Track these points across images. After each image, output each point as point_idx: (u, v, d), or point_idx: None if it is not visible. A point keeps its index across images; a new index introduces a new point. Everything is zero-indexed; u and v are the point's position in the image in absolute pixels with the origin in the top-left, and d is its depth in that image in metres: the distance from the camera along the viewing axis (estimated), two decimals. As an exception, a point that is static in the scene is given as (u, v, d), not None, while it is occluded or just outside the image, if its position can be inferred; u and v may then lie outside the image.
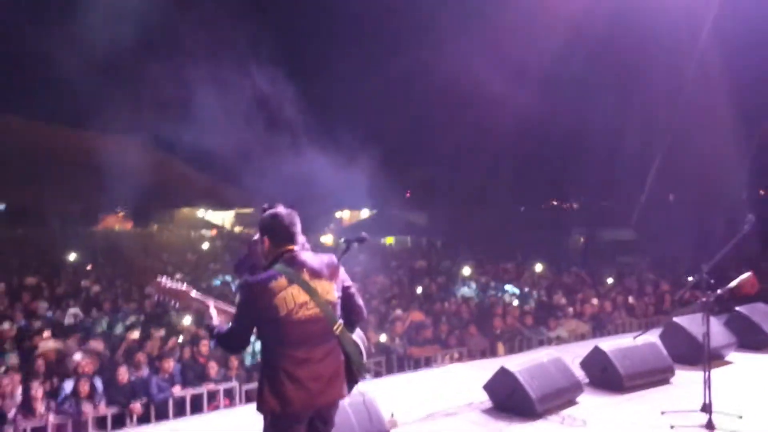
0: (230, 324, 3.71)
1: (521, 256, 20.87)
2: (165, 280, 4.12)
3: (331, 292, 3.66)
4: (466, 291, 14.92)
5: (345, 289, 3.79)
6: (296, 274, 3.58)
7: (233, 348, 3.82)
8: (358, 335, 3.93)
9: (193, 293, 4.14)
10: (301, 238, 4.32)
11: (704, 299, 5.69)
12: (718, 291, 5.73)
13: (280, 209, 3.73)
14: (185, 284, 4.17)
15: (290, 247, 3.68)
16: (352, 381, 3.80)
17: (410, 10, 21.35)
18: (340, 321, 3.68)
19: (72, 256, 21.28)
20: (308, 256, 3.70)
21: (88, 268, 19.74)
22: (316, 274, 3.63)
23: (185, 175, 33.42)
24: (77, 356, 8.79)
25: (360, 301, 3.89)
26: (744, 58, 17.86)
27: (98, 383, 8.07)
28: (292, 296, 3.52)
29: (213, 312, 3.91)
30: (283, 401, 3.47)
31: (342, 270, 3.80)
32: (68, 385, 7.99)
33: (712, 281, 5.77)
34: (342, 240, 4.88)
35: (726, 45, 17.52)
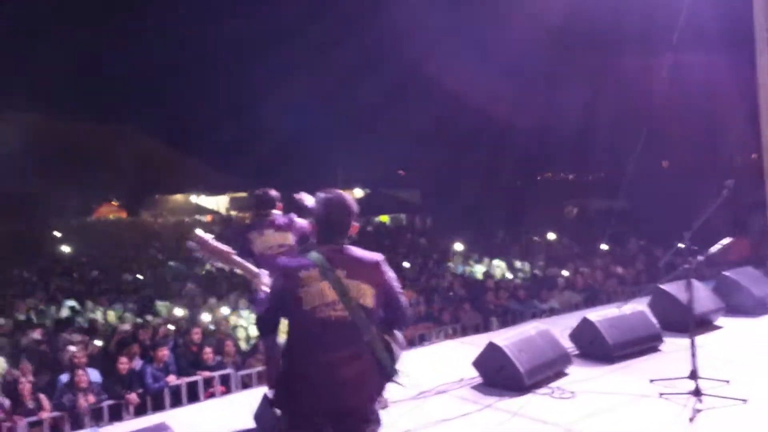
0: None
1: (514, 229, 20.92)
2: (208, 237, 3.85)
3: (368, 296, 3.30)
4: (460, 267, 14.95)
5: (388, 290, 3.41)
6: (331, 269, 3.25)
7: (262, 331, 3.54)
8: (395, 339, 3.47)
9: (236, 257, 3.91)
10: None
11: (686, 266, 5.71)
12: (699, 257, 5.72)
13: (335, 195, 3.40)
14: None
15: (339, 243, 3.36)
16: (383, 384, 3.44)
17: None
18: (374, 327, 3.32)
19: (66, 249, 21.34)
20: (351, 253, 3.36)
21: (83, 260, 19.77)
22: (353, 273, 3.29)
23: (175, 161, 33.33)
24: (71, 348, 8.83)
25: (403, 303, 3.51)
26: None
27: (94, 374, 8.11)
28: (320, 292, 3.23)
29: (265, 279, 3.69)
30: (293, 401, 3.25)
31: (387, 272, 3.43)
32: (64, 378, 8.02)
33: (695, 248, 5.78)
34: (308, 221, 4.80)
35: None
